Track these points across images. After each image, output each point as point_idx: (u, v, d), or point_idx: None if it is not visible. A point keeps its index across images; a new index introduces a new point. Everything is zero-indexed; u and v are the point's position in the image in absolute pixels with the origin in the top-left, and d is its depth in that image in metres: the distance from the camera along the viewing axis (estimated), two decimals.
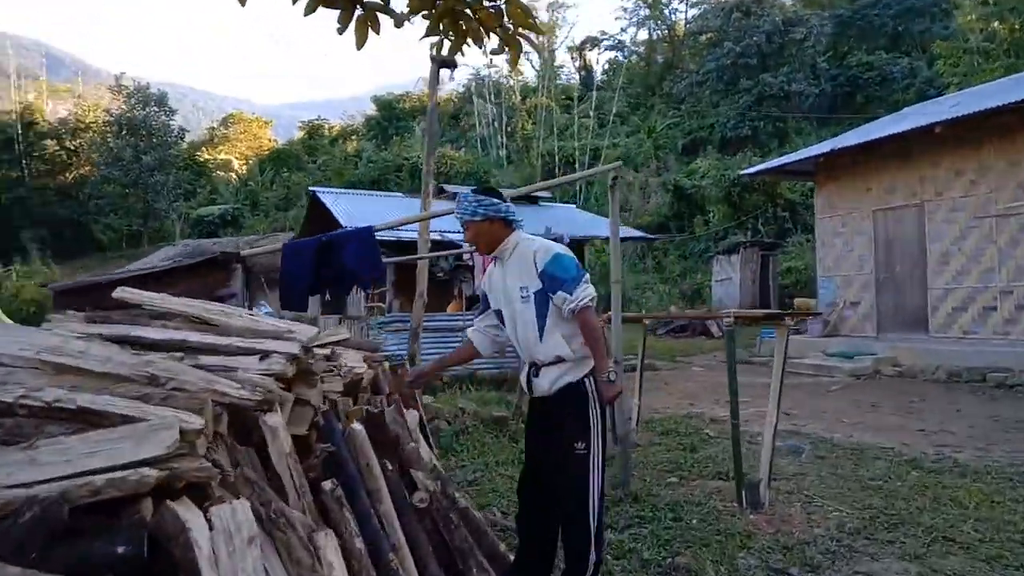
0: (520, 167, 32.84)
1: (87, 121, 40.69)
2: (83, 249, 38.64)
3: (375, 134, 45.75)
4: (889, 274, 12.33)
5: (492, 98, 38.33)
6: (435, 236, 10.95)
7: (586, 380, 3.01)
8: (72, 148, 40.64)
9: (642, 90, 40.34)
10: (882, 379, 10.49)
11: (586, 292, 2.90)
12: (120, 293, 2.68)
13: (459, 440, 5.98)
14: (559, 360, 2.99)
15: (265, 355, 2.37)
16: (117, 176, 36.05)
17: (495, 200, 3.00)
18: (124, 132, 36.94)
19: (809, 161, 13.86)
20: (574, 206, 18.10)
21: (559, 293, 2.90)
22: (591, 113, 34.30)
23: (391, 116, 47.36)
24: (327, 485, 2.26)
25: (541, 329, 3.00)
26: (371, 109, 51.85)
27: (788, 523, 3.96)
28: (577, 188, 30.05)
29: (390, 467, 2.65)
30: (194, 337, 2.48)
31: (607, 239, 16.95)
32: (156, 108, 38.28)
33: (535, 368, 3.07)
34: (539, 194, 15.46)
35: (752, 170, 15.99)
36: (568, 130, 34.13)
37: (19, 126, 40.12)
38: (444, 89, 49.74)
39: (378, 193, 16.94)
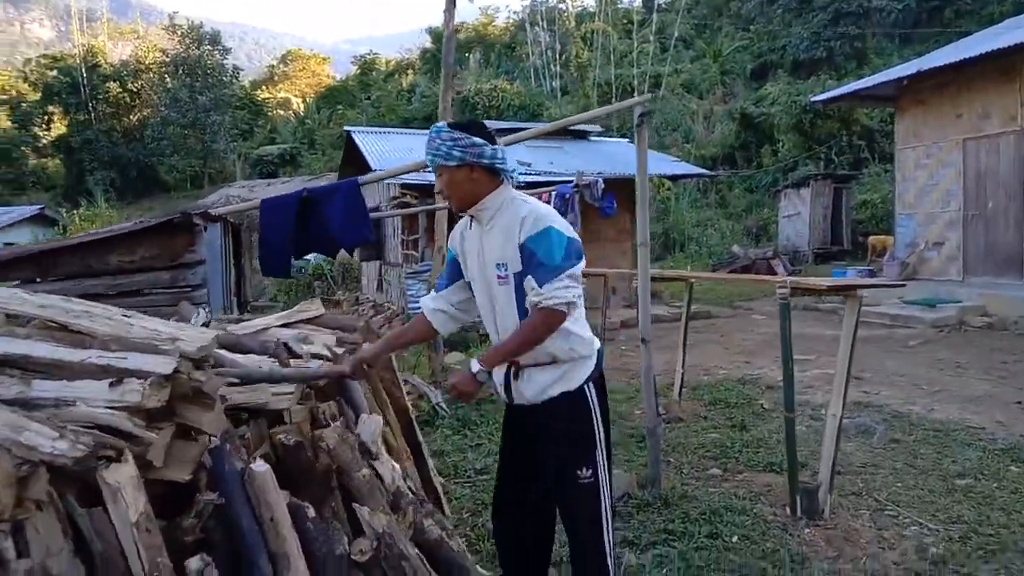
0: (575, 98, 31.24)
1: (147, 62, 40.85)
2: (149, 190, 39.46)
3: (430, 67, 44.60)
4: (979, 211, 10.96)
5: (545, 25, 36.50)
6: None
7: (587, 388, 2.35)
8: (135, 90, 40.98)
9: (708, 11, 37.65)
10: (968, 332, 9.34)
11: (562, 292, 2.16)
12: None
13: (481, 409, 5.40)
14: (550, 361, 2.31)
15: (117, 380, 1.74)
16: (175, 117, 36.26)
17: (478, 141, 2.23)
18: (180, 72, 36.94)
19: (890, 84, 12.35)
20: (627, 140, 16.87)
21: (528, 278, 2.21)
22: (651, 38, 32.18)
23: None
24: (193, 564, 1.64)
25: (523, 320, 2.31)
26: (428, 42, 50.49)
27: (853, 542, 3.22)
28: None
29: (311, 514, 2.02)
30: (41, 350, 1.87)
31: (664, 176, 15.82)
32: (210, 47, 38.05)
33: (515, 369, 2.37)
34: (588, 128, 14.40)
35: (826, 95, 14.43)
36: (627, 57, 32.22)
37: (83, 69, 40.59)
38: (500, 18, 48.13)
39: (416, 131, 16.12)
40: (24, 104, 41.27)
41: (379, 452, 2.65)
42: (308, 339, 3.31)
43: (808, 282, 3.22)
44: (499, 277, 2.30)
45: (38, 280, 3.82)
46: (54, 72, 41.29)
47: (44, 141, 41.85)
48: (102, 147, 38.73)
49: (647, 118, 3.54)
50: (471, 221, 2.40)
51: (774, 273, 15.88)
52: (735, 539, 3.21)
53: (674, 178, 16.60)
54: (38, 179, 41.43)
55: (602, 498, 2.34)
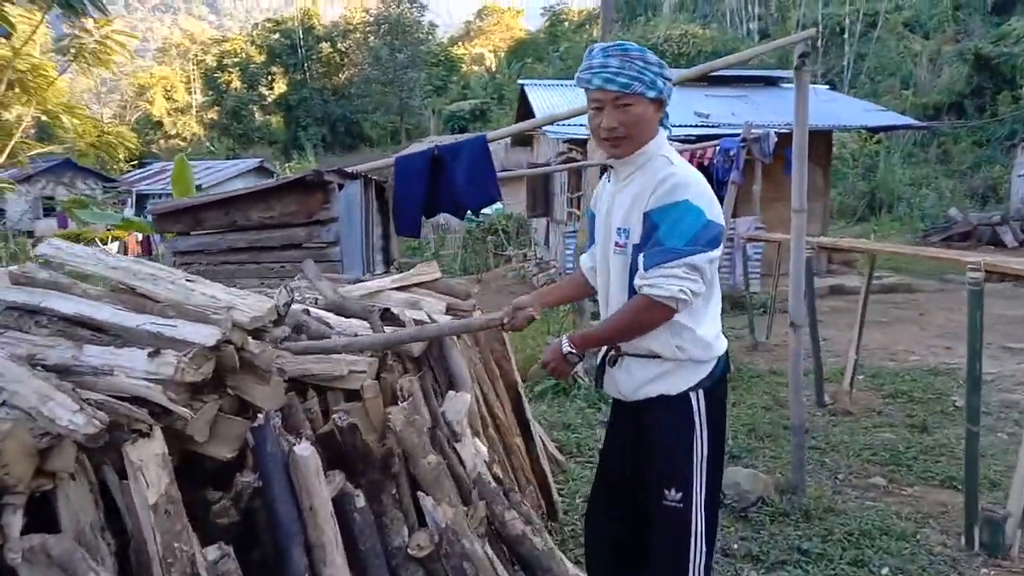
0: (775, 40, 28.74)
1: (354, 23, 43.41)
2: (355, 145, 42.37)
3: (622, 16, 43.23)
4: None
5: None
6: None
7: (694, 394, 1.96)
8: (343, 49, 43.74)
9: None
10: None
11: (667, 283, 1.78)
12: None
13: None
14: (652, 355, 1.97)
15: (155, 351, 1.68)
16: (377, 75, 38.31)
17: (668, 74, 1.88)
18: (381, 31, 38.83)
19: None
20: (825, 87, 15.09)
21: (641, 256, 1.85)
22: None
23: None
24: (210, 553, 1.56)
25: None
26: None
27: None
28: (846, 64, 25.65)
29: (360, 504, 1.89)
30: (104, 313, 1.87)
31: (866, 128, 13.96)
32: (408, 4, 39.54)
33: (612, 355, 2.06)
34: (780, 73, 13.07)
35: None
36: None
37: (300, 31, 43.99)
38: None
39: None
40: (252, 66, 45.54)
41: (463, 433, 2.48)
42: (418, 304, 3.21)
43: (1009, 266, 2.54)
44: (617, 244, 1.96)
45: (190, 233, 4.08)
46: (276, 35, 45.08)
47: (269, 100, 46.05)
48: (315, 104, 41.97)
49: (807, 59, 2.95)
50: (610, 175, 2.06)
51: (1000, 241, 13.70)
52: (885, 571, 2.68)
53: (876, 130, 14.51)
54: (263, 134, 45.82)
55: (693, 528, 1.96)
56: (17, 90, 13.31)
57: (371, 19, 40.21)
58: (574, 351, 2.01)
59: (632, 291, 1.92)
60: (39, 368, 1.63)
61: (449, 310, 3.22)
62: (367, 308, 2.82)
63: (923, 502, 3.33)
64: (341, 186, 4.05)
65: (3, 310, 1.96)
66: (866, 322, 4.87)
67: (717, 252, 1.85)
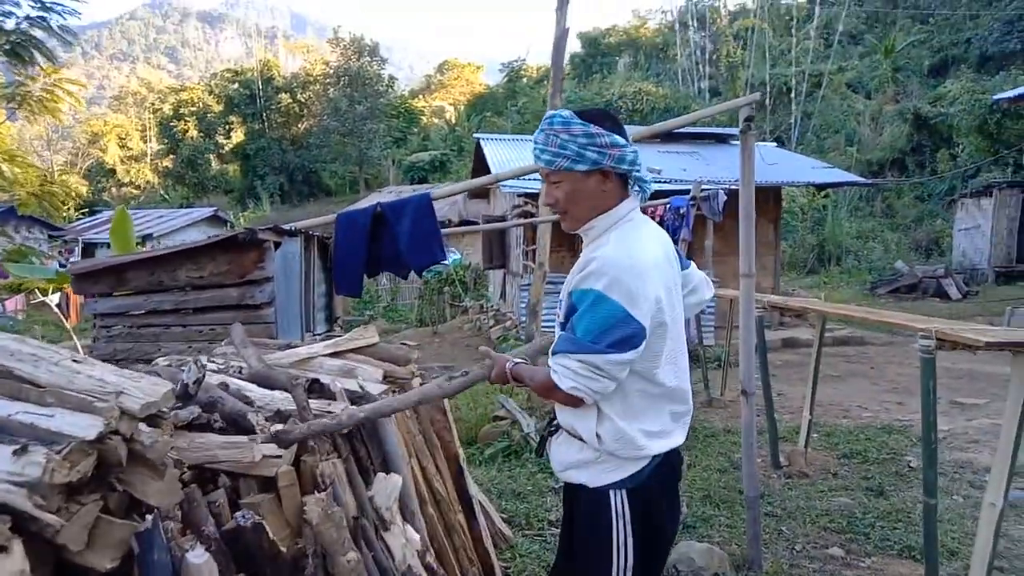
0: (725, 98, 29.68)
1: (314, 74, 43.63)
2: (314, 194, 42.17)
3: (578, 72, 44.40)
4: None
5: (696, 25, 35.05)
6: None
7: (615, 493, 1.75)
8: (303, 100, 43.83)
9: (881, 3, 34.58)
10: None
11: (567, 376, 1.64)
12: None
13: None
14: (576, 436, 1.81)
15: (22, 448, 1.47)
16: (336, 126, 38.40)
17: (619, 139, 1.70)
18: (341, 83, 39.08)
19: None
20: (773, 144, 15.53)
21: (558, 334, 1.75)
22: (813, 33, 29.92)
23: (596, 52, 45.64)
24: None
25: None
26: (579, 46, 50.25)
27: None
28: (793, 122, 26.55)
29: None
30: None
31: (812, 185, 14.32)
32: (369, 58, 39.97)
33: (552, 426, 1.95)
34: (729, 131, 13.37)
35: (1018, 91, 12.52)
36: (785, 56, 30.18)
37: (259, 82, 44.02)
38: (653, 21, 46.96)
39: None
40: (209, 115, 45.28)
41: (392, 520, 2.27)
42: (353, 372, 3.02)
43: (960, 334, 2.47)
44: (557, 315, 1.85)
45: (112, 293, 3.84)
46: (235, 85, 45.03)
47: (225, 149, 45.70)
48: (273, 154, 41.80)
49: (752, 123, 2.91)
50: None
51: (946, 294, 14.05)
52: None
53: (823, 186, 14.90)
54: (219, 183, 45.29)
55: None
56: None
57: (331, 71, 40.47)
58: (510, 376, 1.87)
59: None
60: None
61: (386, 378, 3.03)
62: (292, 380, 2.62)
63: (883, 574, 3.20)
64: (278, 244, 3.86)
65: None
66: (820, 377, 4.82)
67: (628, 356, 1.62)
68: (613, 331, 1.61)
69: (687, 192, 6.17)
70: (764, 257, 11.55)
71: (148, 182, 47.74)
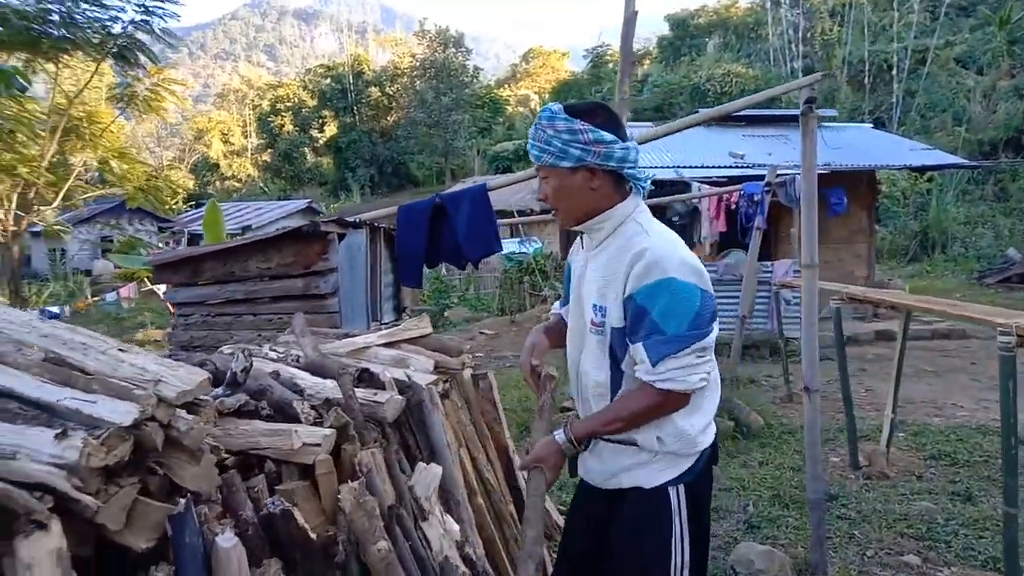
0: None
1: (402, 67, 44.53)
2: (402, 185, 43.16)
3: (666, 55, 43.43)
4: None
5: (788, 1, 33.49)
6: (670, 175, 9.47)
7: (673, 490, 1.75)
8: (391, 93, 44.84)
9: None
10: None
11: (685, 375, 1.62)
12: None
13: None
14: (630, 443, 1.78)
15: (63, 432, 1.55)
16: (422, 117, 39.05)
17: (606, 135, 1.65)
18: (427, 75, 39.70)
19: None
20: (869, 125, 14.67)
21: (639, 346, 1.65)
22: (916, 6, 28.05)
23: (684, 34, 44.46)
24: None
25: (615, 387, 1.79)
26: (666, 28, 49.06)
27: None
28: (894, 101, 25.04)
29: None
30: (26, 386, 1.75)
31: (914, 168, 13.42)
32: (454, 49, 40.39)
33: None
34: (823, 111, 12.73)
35: None
36: (886, 31, 28.44)
37: (351, 76, 45.31)
38: (743, 0, 45.24)
39: (634, 123, 15.44)
40: (304, 110, 46.96)
41: (431, 511, 2.29)
42: (405, 361, 3.07)
43: None
44: (592, 323, 1.77)
45: (190, 284, 4.03)
46: (328, 80, 46.50)
47: (319, 142, 47.33)
48: (363, 146, 43.00)
49: (814, 104, 2.74)
50: (581, 238, 1.89)
51: None
52: None
53: (921, 169, 13.87)
54: (313, 176, 46.98)
55: None
56: (73, 137, 13.89)
57: (417, 64, 41.16)
58: (574, 444, 1.78)
59: (614, 372, 1.76)
60: None
61: (437, 368, 3.07)
62: (340, 369, 2.67)
63: None
64: (342, 236, 3.96)
65: None
66: (913, 372, 4.55)
67: (717, 326, 1.68)
68: (702, 311, 1.62)
69: (760, 178, 5.92)
70: (857, 245, 11.00)
71: (249, 175, 50.08)
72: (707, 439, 1.79)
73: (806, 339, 2.94)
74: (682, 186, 8.73)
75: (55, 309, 16.86)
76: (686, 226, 9.00)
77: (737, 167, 9.93)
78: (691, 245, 9.45)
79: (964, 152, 19.51)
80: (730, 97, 26.80)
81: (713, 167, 10.10)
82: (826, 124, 13.11)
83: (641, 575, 1.77)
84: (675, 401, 1.67)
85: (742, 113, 12.71)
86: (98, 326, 14.15)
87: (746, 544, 3.18)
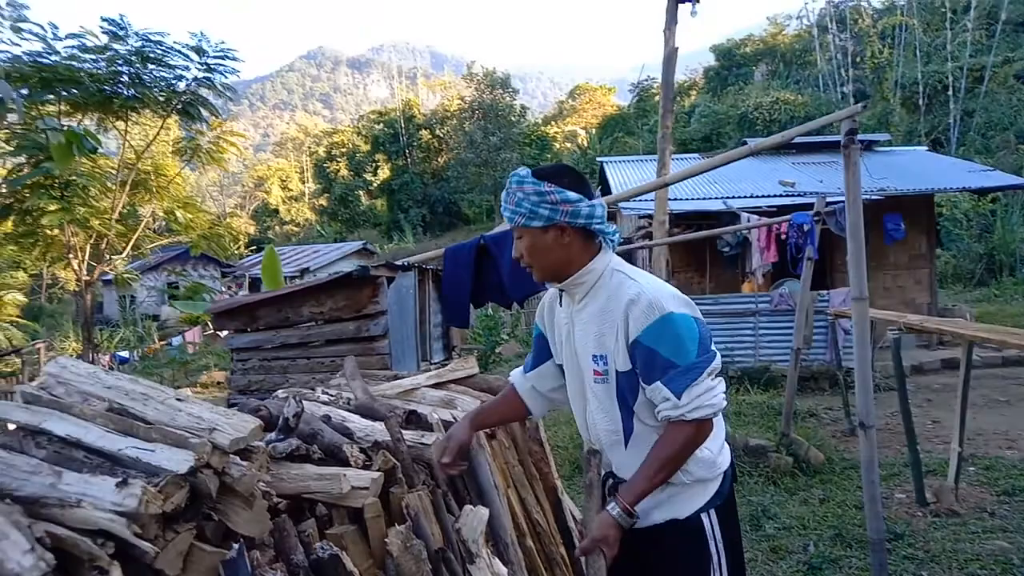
0: (872, 102, 27.71)
1: (451, 110, 45.57)
2: (454, 224, 43.84)
3: (713, 86, 43.35)
4: None
5: (836, 27, 33.13)
6: (718, 206, 9.39)
7: (705, 516, 1.81)
8: (441, 135, 45.84)
9: None
10: None
11: (709, 399, 1.68)
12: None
13: None
14: None
15: (123, 481, 1.64)
16: (471, 158, 39.73)
17: (571, 195, 1.75)
18: (475, 116, 40.49)
19: None
20: (924, 149, 14.28)
21: (657, 385, 1.70)
22: (970, 25, 27.35)
23: (731, 64, 44.36)
24: None
25: (628, 431, 1.84)
26: (712, 59, 48.99)
27: None
28: (952, 122, 24.35)
29: None
30: (91, 436, 1.86)
31: (973, 190, 12.95)
32: (501, 90, 41.16)
33: (613, 481, 1.93)
34: (874, 137, 12.50)
35: None
36: (940, 52, 27.77)
37: (402, 121, 46.55)
38: (790, 27, 44.94)
39: (680, 156, 15.41)
40: (358, 155, 48.33)
41: (478, 553, 2.30)
42: (453, 402, 3.11)
43: None
44: (595, 372, 1.84)
45: (247, 330, 4.18)
46: (380, 125, 47.84)
47: (373, 185, 48.52)
48: (415, 188, 43.93)
49: (855, 135, 2.71)
50: (561, 296, 1.96)
51: None
52: None
53: (981, 191, 13.34)
54: (367, 218, 48.09)
55: None
56: (140, 189, 14.61)
57: (466, 105, 42.05)
58: (630, 514, 1.77)
59: (624, 416, 1.82)
60: (8, 500, 1.62)
61: None
62: (388, 411, 2.73)
63: None
64: (391, 279, 4.06)
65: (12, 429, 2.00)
66: (983, 402, 4.37)
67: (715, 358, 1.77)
68: (703, 336, 1.72)
69: (808, 208, 5.83)
70: (918, 271, 10.68)
71: (307, 220, 51.56)
72: (726, 460, 1.88)
73: (859, 373, 2.87)
74: (731, 217, 8.66)
75: (124, 354, 17.58)
76: (736, 257, 8.90)
77: (787, 196, 9.80)
78: (743, 276, 9.31)
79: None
80: (779, 125, 26.51)
81: (763, 196, 9.99)
82: (880, 148, 12.85)
83: None
84: (705, 429, 1.74)
85: (792, 141, 12.58)
86: (165, 370, 14.68)
87: None
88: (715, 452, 1.82)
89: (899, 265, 10.39)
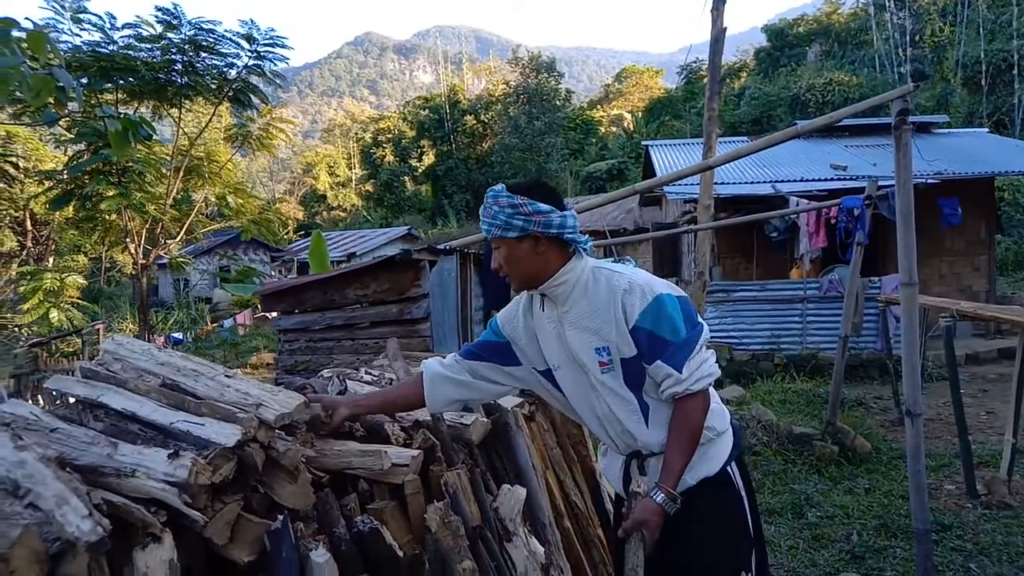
0: (931, 83, 26.71)
1: (496, 95, 45.51)
2: None
3: (764, 67, 42.33)
4: None
5: (893, 4, 31.93)
6: (766, 190, 9.20)
7: (730, 467, 1.97)
8: (485, 121, 45.86)
9: None
10: None
11: (706, 369, 1.84)
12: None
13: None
14: None
15: (175, 452, 1.71)
16: (516, 143, 39.66)
17: (543, 207, 1.88)
18: (519, 101, 40.37)
19: None
20: (985, 131, 13.69)
21: (658, 364, 1.84)
22: None
23: (782, 44, 43.22)
24: None
25: (646, 411, 1.94)
26: (763, 40, 47.80)
27: None
28: (1016, 102, 23.32)
29: None
30: (145, 410, 1.94)
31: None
32: (546, 75, 40.91)
33: (639, 460, 1.99)
34: (931, 119, 12.06)
35: None
36: (1005, 28, 26.57)
37: (447, 106, 46.69)
38: (846, 5, 43.54)
39: (727, 139, 15.10)
40: (404, 140, 48.68)
41: (516, 532, 2.33)
42: None
43: None
44: (601, 364, 1.92)
45: (294, 311, 4.28)
46: (425, 111, 48.08)
47: (418, 171, 48.87)
48: (460, 173, 44.09)
49: (907, 116, 2.64)
50: (542, 301, 2.03)
51: None
52: None
53: None
54: (413, 203, 48.50)
55: None
56: (194, 175, 15.01)
57: (511, 90, 41.93)
58: (674, 499, 1.83)
59: (638, 396, 1.92)
60: (68, 469, 1.71)
61: (523, 391, 3.12)
62: None
63: None
64: (433, 263, 4.11)
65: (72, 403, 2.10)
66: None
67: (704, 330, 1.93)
68: (689, 311, 1.88)
69: (860, 192, 5.67)
70: (977, 258, 10.32)
71: (353, 205, 52.27)
72: (727, 409, 2.07)
73: (907, 360, 2.80)
74: (780, 201, 8.47)
75: (178, 335, 18.16)
76: (785, 242, 8.72)
77: (839, 179, 9.54)
78: (791, 262, 9.12)
79: None
80: (832, 107, 25.74)
81: (813, 180, 9.75)
82: (938, 131, 12.40)
83: (724, 562, 1.91)
84: (705, 399, 1.87)
85: (844, 123, 12.23)
86: (216, 351, 15.11)
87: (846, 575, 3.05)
88: (720, 404, 1.99)
89: (956, 251, 10.05)
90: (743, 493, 1.95)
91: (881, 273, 8.73)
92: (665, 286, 1.88)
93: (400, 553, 1.95)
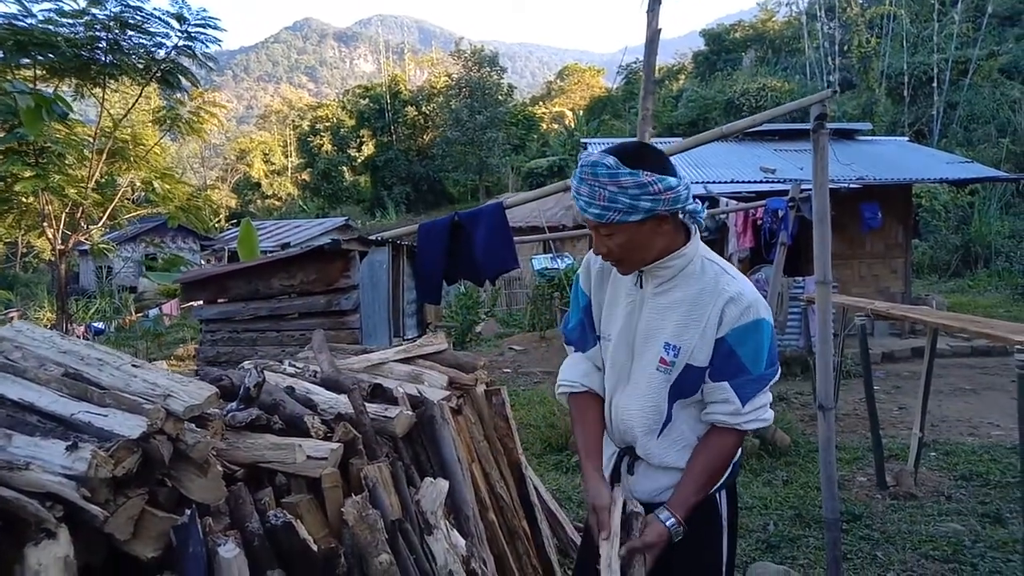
0: (857, 92, 27.84)
1: (438, 87, 45.17)
2: (438, 202, 43.62)
3: (702, 71, 43.30)
4: None
5: (824, 15, 33.14)
6: (698, 190, 9.40)
7: (718, 494, 1.82)
8: (427, 112, 45.49)
9: None
10: None
11: (765, 413, 1.71)
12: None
13: None
14: (672, 469, 1.80)
15: (73, 444, 1.63)
16: (457, 136, 39.49)
17: (672, 181, 1.58)
18: (462, 94, 40.19)
19: None
20: (906, 139, 14.38)
21: (723, 385, 1.68)
22: (957, 17, 27.47)
23: (720, 49, 44.30)
24: None
25: (666, 424, 1.77)
26: (701, 44, 48.83)
27: None
28: (935, 113, 24.52)
29: None
30: (44, 400, 1.85)
31: (951, 182, 13.12)
32: (488, 68, 40.85)
33: (631, 458, 1.85)
34: (855, 126, 12.56)
35: None
36: (926, 42, 27.89)
37: (388, 96, 46.08)
38: (780, 13, 44.90)
39: (664, 139, 15.39)
40: (342, 129, 47.83)
41: (437, 525, 2.32)
42: (420, 377, 3.12)
43: None
44: (661, 360, 1.71)
45: (217, 301, 4.16)
46: (366, 100, 47.34)
47: (357, 161, 48.10)
48: (400, 165, 43.62)
49: (824, 121, 2.73)
50: (639, 274, 1.76)
51: None
52: None
53: (959, 183, 13.41)
54: (351, 194, 47.73)
55: None
56: (118, 158, 14.36)
57: (453, 83, 41.70)
58: (679, 522, 1.69)
59: (670, 408, 1.75)
60: None
61: (451, 384, 3.11)
62: (353, 384, 2.73)
63: None
64: (364, 254, 4.04)
65: None
66: (950, 390, 4.45)
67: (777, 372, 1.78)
68: (775, 349, 1.73)
69: (784, 194, 5.87)
70: (894, 260, 10.80)
71: (289, 194, 51.03)
72: None
73: (820, 356, 2.91)
74: (710, 202, 8.68)
75: (100, 325, 17.39)
76: (714, 242, 8.93)
77: (768, 182, 9.84)
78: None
79: (1009, 164, 19.06)
80: (763, 111, 26.50)
81: (743, 182, 10.02)
82: (862, 138, 12.91)
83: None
84: (742, 438, 1.77)
85: (775, 127, 12.59)
86: (140, 341, 14.55)
87: (762, 564, 3.15)
88: None
89: (875, 254, 10.50)
90: (724, 525, 1.81)
91: (805, 273, 9.03)
92: (768, 311, 1.68)
93: (315, 547, 1.91)
